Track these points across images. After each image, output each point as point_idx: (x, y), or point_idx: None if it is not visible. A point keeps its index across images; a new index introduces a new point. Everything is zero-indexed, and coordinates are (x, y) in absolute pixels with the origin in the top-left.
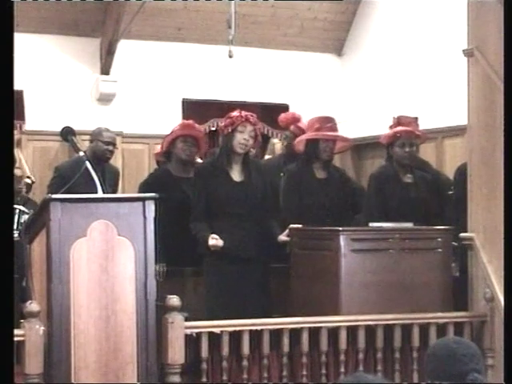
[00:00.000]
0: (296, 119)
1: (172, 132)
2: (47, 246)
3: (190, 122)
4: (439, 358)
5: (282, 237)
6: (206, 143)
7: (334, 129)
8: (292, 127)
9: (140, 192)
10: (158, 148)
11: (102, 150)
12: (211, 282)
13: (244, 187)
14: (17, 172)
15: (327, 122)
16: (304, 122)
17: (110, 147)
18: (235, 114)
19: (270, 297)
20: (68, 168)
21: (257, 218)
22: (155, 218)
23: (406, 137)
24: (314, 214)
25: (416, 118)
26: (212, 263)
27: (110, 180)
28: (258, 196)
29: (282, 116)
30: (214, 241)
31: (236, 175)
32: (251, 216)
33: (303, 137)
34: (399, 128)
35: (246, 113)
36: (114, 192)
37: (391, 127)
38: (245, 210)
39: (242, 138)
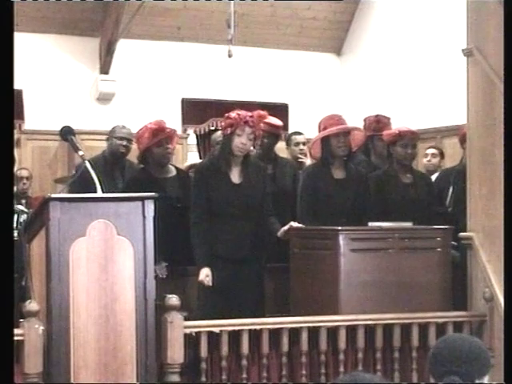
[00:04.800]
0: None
1: (143, 139)
2: (46, 245)
3: (158, 123)
4: (431, 354)
5: (282, 231)
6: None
7: (340, 123)
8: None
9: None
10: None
11: (115, 146)
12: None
13: (243, 189)
14: (23, 172)
15: (331, 119)
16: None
17: (124, 142)
18: (234, 115)
19: (264, 297)
20: (77, 168)
21: (255, 219)
22: (154, 218)
23: (410, 137)
24: (330, 214)
25: (390, 118)
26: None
27: None
28: (257, 197)
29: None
30: (205, 279)
31: (235, 177)
32: (249, 217)
33: (314, 140)
34: (403, 128)
35: (246, 114)
36: None
37: (369, 127)
38: (243, 212)
39: (240, 142)
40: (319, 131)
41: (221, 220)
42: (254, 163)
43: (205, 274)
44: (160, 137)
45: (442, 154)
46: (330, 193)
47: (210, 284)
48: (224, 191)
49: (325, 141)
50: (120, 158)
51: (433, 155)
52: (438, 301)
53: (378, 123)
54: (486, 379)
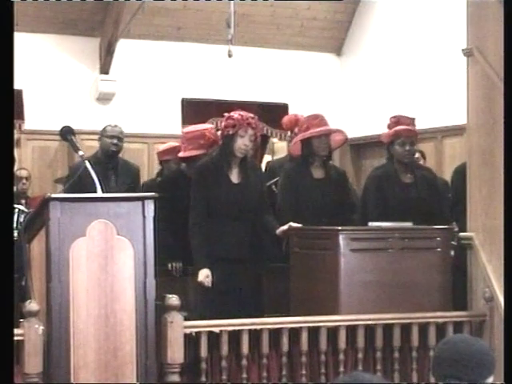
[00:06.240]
0: (299, 121)
1: (195, 141)
2: (46, 245)
3: (216, 134)
4: (434, 357)
5: (281, 230)
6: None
7: (323, 124)
8: (296, 129)
9: (151, 191)
10: (161, 147)
11: (106, 145)
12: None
13: (242, 189)
14: (22, 173)
15: (314, 119)
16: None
17: (114, 140)
18: (237, 116)
19: (263, 298)
20: (74, 168)
21: (253, 219)
22: (155, 218)
23: (407, 135)
24: (311, 213)
25: (414, 119)
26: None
27: (126, 178)
28: (256, 197)
29: (285, 119)
30: (205, 280)
31: (234, 177)
32: (248, 217)
33: (295, 140)
34: (400, 127)
35: (248, 115)
36: (132, 190)
37: (389, 126)
38: (242, 212)
39: (243, 144)
40: (300, 129)
41: (220, 220)
42: (250, 163)
43: (204, 275)
44: (213, 148)
45: (423, 156)
46: (309, 192)
47: (210, 285)
48: (224, 191)
49: (306, 141)
50: (112, 156)
51: (417, 159)
52: (438, 301)
53: (397, 124)
54: (490, 379)
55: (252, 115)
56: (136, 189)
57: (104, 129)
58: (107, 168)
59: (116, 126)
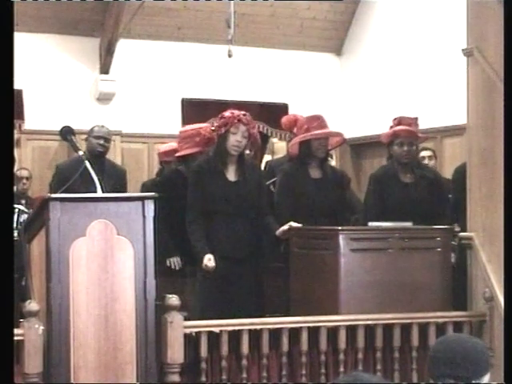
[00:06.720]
0: (298, 121)
1: (191, 140)
2: (46, 245)
3: (210, 131)
4: (429, 357)
5: (281, 230)
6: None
7: (323, 126)
8: (295, 129)
9: (148, 192)
10: (162, 147)
11: (92, 145)
12: (205, 281)
13: (239, 187)
14: (22, 173)
15: (314, 121)
16: None
17: (101, 141)
18: (228, 114)
19: (263, 297)
20: (67, 167)
21: (252, 217)
22: (155, 217)
23: (406, 136)
24: (309, 213)
25: (416, 119)
26: None
27: (111, 179)
28: (253, 195)
29: (284, 119)
30: (208, 262)
31: (231, 175)
32: (246, 216)
33: (295, 140)
34: (399, 127)
35: (239, 112)
36: (117, 191)
37: (391, 127)
38: (240, 210)
39: (235, 140)
40: (299, 130)
41: (217, 219)
42: (249, 162)
43: (207, 258)
44: (209, 146)
45: (435, 155)
46: (307, 192)
47: (214, 265)
48: (221, 189)
49: (305, 142)
50: (98, 157)
51: (429, 158)
52: (438, 301)
53: (398, 125)
54: (485, 379)
55: (244, 112)
56: (121, 190)
57: (91, 129)
58: (93, 169)
59: (103, 126)
